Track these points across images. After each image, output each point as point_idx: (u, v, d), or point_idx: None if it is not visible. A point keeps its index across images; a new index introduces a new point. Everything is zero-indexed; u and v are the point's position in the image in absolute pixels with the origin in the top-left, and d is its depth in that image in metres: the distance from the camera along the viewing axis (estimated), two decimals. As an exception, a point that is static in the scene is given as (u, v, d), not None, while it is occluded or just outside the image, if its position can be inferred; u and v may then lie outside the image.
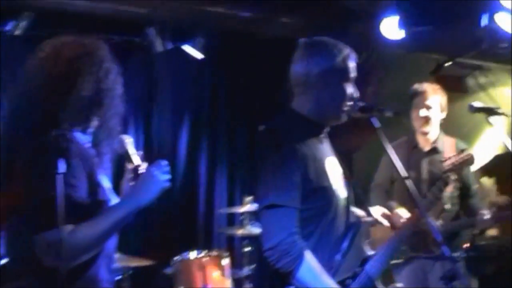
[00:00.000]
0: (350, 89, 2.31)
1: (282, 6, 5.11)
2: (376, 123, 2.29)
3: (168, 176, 2.16)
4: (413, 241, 3.53)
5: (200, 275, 3.92)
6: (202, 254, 4.05)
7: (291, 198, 2.16)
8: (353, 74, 2.32)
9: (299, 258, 2.13)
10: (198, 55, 5.41)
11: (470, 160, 3.33)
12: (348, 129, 2.50)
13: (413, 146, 3.81)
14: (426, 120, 3.71)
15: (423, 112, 3.71)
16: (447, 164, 3.29)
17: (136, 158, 2.21)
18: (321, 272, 2.17)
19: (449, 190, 3.53)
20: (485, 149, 6.46)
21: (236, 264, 4.46)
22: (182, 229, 5.28)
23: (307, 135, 2.29)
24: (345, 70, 2.30)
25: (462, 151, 3.41)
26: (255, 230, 4.21)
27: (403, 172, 2.35)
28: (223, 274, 4.03)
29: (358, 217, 2.39)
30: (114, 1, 4.69)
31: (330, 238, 2.27)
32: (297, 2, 5.01)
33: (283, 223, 2.14)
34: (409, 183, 2.33)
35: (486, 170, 6.04)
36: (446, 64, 5.97)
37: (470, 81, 7.16)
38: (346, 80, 2.31)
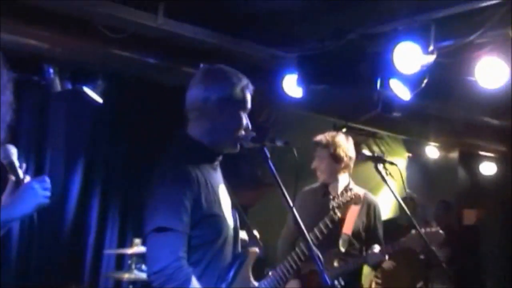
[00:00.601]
0: (245, 119, 2.33)
1: (187, 57, 5.15)
2: (267, 153, 2.29)
3: (48, 193, 2.05)
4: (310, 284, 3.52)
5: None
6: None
7: (180, 221, 2.11)
8: (249, 104, 2.33)
9: (185, 284, 2.06)
10: (97, 98, 5.29)
11: (355, 199, 3.39)
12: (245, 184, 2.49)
13: (323, 193, 3.82)
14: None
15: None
16: (334, 202, 3.34)
17: (19, 170, 2.08)
18: None
19: (346, 233, 3.57)
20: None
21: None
22: (68, 272, 5.01)
23: (201, 161, 2.27)
24: (242, 100, 2.33)
25: (349, 189, 3.47)
26: (142, 274, 4.04)
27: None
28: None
29: (245, 247, 2.34)
30: (12, 33, 4.50)
31: (217, 267, 2.23)
32: (202, 53, 5.07)
33: (170, 247, 2.09)
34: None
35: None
36: (343, 130, 6.24)
37: (364, 149, 7.47)
38: (242, 109, 2.33)
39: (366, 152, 3.19)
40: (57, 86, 5.14)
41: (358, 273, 3.74)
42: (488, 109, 6.53)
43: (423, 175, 7.95)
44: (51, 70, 5.06)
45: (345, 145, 3.76)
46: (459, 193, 7.92)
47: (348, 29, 4.61)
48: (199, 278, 2.12)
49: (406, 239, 3.59)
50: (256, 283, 2.35)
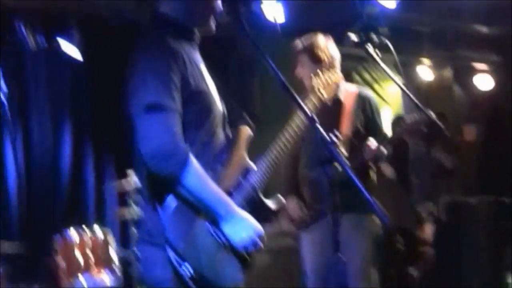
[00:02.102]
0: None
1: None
2: (245, 26, 2.12)
3: None
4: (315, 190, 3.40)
5: (82, 253, 3.57)
6: (85, 232, 3.70)
7: (172, 99, 1.96)
8: None
9: (185, 161, 1.92)
10: (76, 55, 5.10)
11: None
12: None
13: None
14: None
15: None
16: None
17: None
18: (206, 177, 2.00)
19: (346, 133, 3.42)
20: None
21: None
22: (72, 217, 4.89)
23: (179, 36, 2.11)
24: None
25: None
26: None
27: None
28: (108, 253, 3.69)
29: (240, 128, 2.20)
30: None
31: (210, 148, 2.10)
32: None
33: (165, 125, 1.93)
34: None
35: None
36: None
37: (356, 78, 7.31)
38: None
39: (352, 36, 3.01)
40: (32, 43, 4.96)
41: (366, 172, 3.54)
42: (479, 16, 6.37)
43: (418, 98, 7.75)
44: (22, 27, 4.88)
45: (324, 44, 3.56)
46: (457, 110, 7.77)
47: None
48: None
49: (400, 128, 3.43)
50: (251, 163, 2.22)
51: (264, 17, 4.84)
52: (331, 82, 2.94)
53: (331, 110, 3.47)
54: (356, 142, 3.48)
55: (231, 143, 2.15)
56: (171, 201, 1.95)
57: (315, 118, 1.99)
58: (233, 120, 2.22)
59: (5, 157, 4.83)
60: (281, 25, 4.79)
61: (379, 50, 3.06)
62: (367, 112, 3.59)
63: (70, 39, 5.07)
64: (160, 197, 1.97)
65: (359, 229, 3.42)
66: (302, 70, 3.54)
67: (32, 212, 4.80)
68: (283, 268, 4.59)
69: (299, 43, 3.60)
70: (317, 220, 3.48)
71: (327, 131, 3.39)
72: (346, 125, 3.50)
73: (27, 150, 5.02)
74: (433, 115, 3.08)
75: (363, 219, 3.44)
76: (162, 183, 1.94)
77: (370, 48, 3.03)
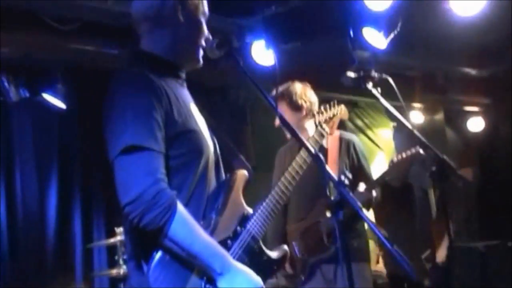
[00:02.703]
0: (205, 26, 2.03)
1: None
2: (237, 57, 1.98)
3: None
4: (307, 242, 3.23)
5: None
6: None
7: (154, 138, 1.75)
8: (206, 10, 2.05)
9: (171, 209, 1.71)
10: (59, 104, 4.95)
11: (342, 113, 3.10)
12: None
13: (298, 147, 3.52)
14: None
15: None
16: (318, 118, 3.02)
17: None
18: (197, 227, 1.78)
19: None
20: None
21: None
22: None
23: (163, 73, 1.94)
24: (200, 3, 2.04)
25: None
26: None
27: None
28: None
29: (235, 171, 2.01)
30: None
31: (202, 193, 1.90)
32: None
33: (146, 168, 1.71)
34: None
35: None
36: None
37: (348, 124, 7.20)
38: (202, 15, 2.04)
39: (350, 74, 2.88)
40: (14, 95, 4.81)
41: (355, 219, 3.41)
42: (467, 58, 6.35)
43: (411, 142, 7.65)
44: (4, 79, 4.73)
45: (301, 90, 3.49)
46: (450, 153, 7.64)
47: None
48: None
49: (388, 168, 3.32)
50: (249, 209, 2.02)
51: (254, 61, 4.74)
52: (335, 119, 2.81)
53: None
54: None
55: (226, 187, 1.96)
56: (158, 257, 1.74)
57: (321, 156, 1.83)
58: (228, 162, 2.03)
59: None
60: (271, 70, 4.67)
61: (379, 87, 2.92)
62: (351, 156, 3.48)
63: (54, 91, 4.93)
64: (145, 252, 1.76)
65: (361, 278, 3.23)
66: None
67: (16, 268, 4.56)
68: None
69: (274, 92, 3.50)
70: (312, 276, 3.33)
71: (313, 179, 3.32)
72: (332, 171, 3.36)
73: (11, 203, 4.80)
74: (440, 154, 2.93)
75: (364, 268, 3.32)
76: (146, 236, 1.72)
77: (370, 85, 2.89)
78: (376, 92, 2.88)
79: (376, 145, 7.35)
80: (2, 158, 4.83)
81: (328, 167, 1.78)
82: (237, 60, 1.96)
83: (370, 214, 5.21)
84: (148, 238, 1.72)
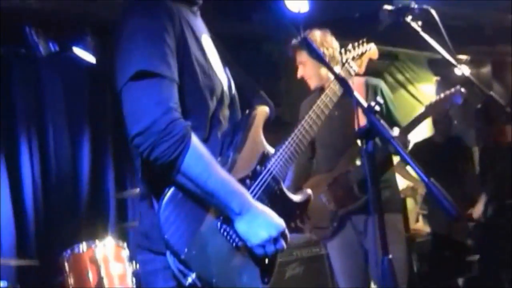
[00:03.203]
0: None
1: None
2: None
3: None
4: (336, 193, 3.07)
5: (94, 270, 3.21)
6: (96, 244, 3.35)
7: (166, 64, 1.57)
8: None
9: (184, 140, 1.53)
10: (90, 58, 4.84)
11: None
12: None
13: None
14: None
15: None
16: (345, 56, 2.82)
17: None
18: (214, 162, 1.60)
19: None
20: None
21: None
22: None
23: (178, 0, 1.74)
24: None
25: None
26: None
27: None
28: (122, 268, 3.33)
29: (255, 107, 1.83)
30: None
31: (216, 133, 1.72)
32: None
33: (157, 96, 1.54)
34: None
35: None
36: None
37: (388, 79, 6.92)
38: None
39: (387, 7, 2.64)
40: (44, 49, 4.72)
41: (389, 164, 3.27)
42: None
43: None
44: (33, 33, 4.64)
45: (321, 38, 3.28)
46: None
47: None
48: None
49: (424, 110, 3.13)
50: (270, 148, 1.84)
51: (287, 8, 4.50)
52: (364, 57, 2.61)
53: (342, 106, 3.16)
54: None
55: (244, 124, 1.78)
56: (169, 194, 1.58)
57: (351, 86, 1.64)
58: (248, 100, 1.86)
59: (21, 168, 4.59)
60: (305, 16, 4.44)
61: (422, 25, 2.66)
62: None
63: (84, 46, 4.83)
64: (157, 190, 1.60)
65: (394, 230, 3.09)
66: (305, 70, 3.27)
67: (49, 226, 4.55)
68: (314, 277, 4.28)
69: (294, 42, 3.32)
70: (342, 228, 3.20)
71: (341, 129, 3.14)
72: (360, 119, 3.17)
73: (44, 160, 4.78)
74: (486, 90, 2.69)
75: (397, 218, 3.21)
76: (158, 172, 1.57)
77: (409, 19, 2.63)
78: (417, 26, 2.63)
79: (418, 100, 7.06)
80: (34, 113, 4.78)
81: (356, 93, 1.58)
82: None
83: (412, 172, 5.02)
84: (159, 174, 1.57)
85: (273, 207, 1.71)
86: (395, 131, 3.08)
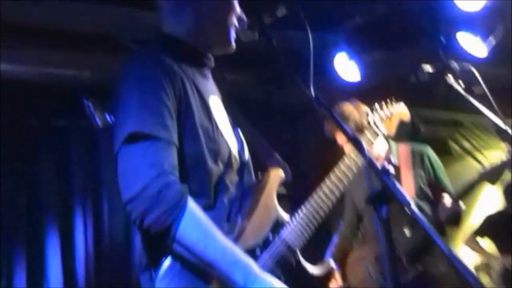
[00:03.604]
0: (236, 3, 1.78)
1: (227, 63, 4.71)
2: (274, 42, 1.70)
3: None
4: None
5: None
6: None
7: (162, 126, 1.50)
8: None
9: (179, 205, 1.43)
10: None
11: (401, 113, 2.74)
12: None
13: None
14: None
15: None
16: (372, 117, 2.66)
17: None
18: (213, 229, 1.48)
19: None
20: (480, 210, 5.80)
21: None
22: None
23: (183, 59, 1.69)
24: None
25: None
26: None
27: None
28: None
29: (268, 170, 1.72)
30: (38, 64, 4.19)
31: (222, 199, 1.61)
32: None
33: (151, 158, 1.46)
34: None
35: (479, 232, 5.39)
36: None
37: (454, 146, 6.65)
38: None
39: (427, 67, 2.52)
40: (100, 121, 4.83)
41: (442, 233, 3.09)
42: None
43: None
44: (90, 105, 4.77)
45: (348, 112, 3.21)
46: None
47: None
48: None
49: (479, 175, 3.01)
50: (285, 214, 1.70)
51: (338, 75, 4.45)
52: (393, 118, 2.47)
53: None
54: (423, 204, 3.11)
55: (256, 188, 1.67)
56: (166, 265, 1.47)
57: (369, 152, 1.50)
58: (263, 163, 1.75)
59: (74, 238, 4.62)
60: (355, 83, 4.37)
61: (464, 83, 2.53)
62: (427, 169, 3.23)
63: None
64: (155, 261, 1.49)
65: None
66: (332, 125, 3.14)
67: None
68: None
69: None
70: None
71: None
72: (407, 187, 3.11)
73: (98, 231, 4.79)
74: None
75: None
76: (154, 240, 1.46)
77: (450, 79, 2.51)
78: (458, 85, 2.49)
79: (487, 168, 6.69)
80: (90, 185, 4.84)
81: (368, 153, 1.44)
82: (270, 39, 1.68)
83: (488, 242, 4.70)
84: (155, 243, 1.46)
85: (287, 280, 1.56)
86: (446, 199, 2.90)
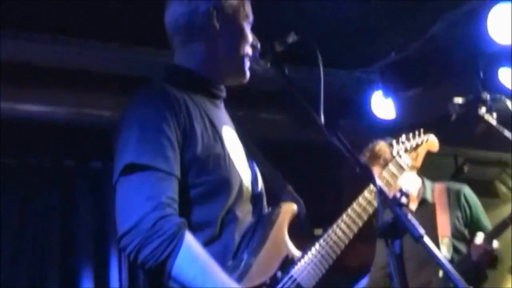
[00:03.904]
0: (249, 32, 1.73)
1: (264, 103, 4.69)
2: (285, 71, 1.64)
3: None
4: None
5: None
6: None
7: (162, 157, 1.45)
8: (251, 15, 1.75)
9: (175, 239, 1.36)
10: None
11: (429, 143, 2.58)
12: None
13: None
14: None
15: None
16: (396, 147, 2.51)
17: None
18: (212, 264, 1.40)
19: (445, 235, 2.79)
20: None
21: None
22: None
23: (194, 90, 1.65)
24: (242, 6, 1.73)
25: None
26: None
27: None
28: None
29: (280, 204, 1.63)
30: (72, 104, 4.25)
31: (230, 232, 1.53)
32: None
33: (149, 191, 1.40)
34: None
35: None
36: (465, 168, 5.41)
37: (501, 187, 6.38)
38: (244, 19, 1.73)
39: (458, 100, 2.41)
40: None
41: (480, 275, 2.94)
42: None
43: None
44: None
45: (378, 148, 3.05)
46: None
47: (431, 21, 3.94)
48: (205, 247, 1.43)
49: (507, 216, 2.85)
50: (296, 251, 1.60)
51: (374, 114, 4.36)
52: (420, 149, 2.34)
53: (421, 214, 2.96)
54: (459, 243, 2.99)
55: (265, 223, 1.58)
56: None
57: (384, 188, 1.39)
58: (277, 197, 1.67)
59: (109, 279, 4.58)
60: (392, 121, 4.26)
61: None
62: (463, 208, 3.11)
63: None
64: None
65: None
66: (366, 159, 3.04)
67: None
68: None
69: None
70: None
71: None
72: (442, 227, 2.99)
73: (132, 271, 4.74)
74: None
75: None
76: (151, 276, 1.40)
77: (483, 112, 2.39)
78: (491, 118, 2.37)
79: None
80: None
81: (379, 182, 1.34)
82: (282, 69, 1.62)
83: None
84: (152, 279, 1.39)
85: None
86: (477, 238, 2.74)
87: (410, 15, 3.90)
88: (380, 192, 1.30)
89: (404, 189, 1.30)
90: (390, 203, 1.29)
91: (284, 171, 1.75)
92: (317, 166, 5.04)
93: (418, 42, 3.98)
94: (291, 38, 1.59)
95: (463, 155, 5.74)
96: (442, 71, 3.99)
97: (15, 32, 3.42)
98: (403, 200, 1.27)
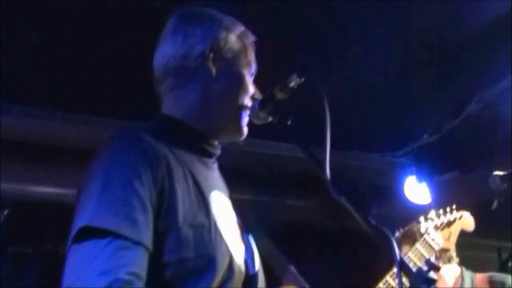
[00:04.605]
0: (249, 81, 1.50)
1: (289, 189, 4.46)
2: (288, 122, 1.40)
3: None
4: None
5: None
6: None
7: (128, 220, 1.17)
8: (253, 62, 1.50)
9: None
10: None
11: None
12: None
13: None
14: None
15: None
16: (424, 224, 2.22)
17: None
18: None
19: None
20: None
21: None
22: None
23: (180, 145, 1.39)
24: (243, 52, 1.48)
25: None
26: None
27: None
28: None
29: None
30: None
31: None
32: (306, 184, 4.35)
33: (104, 264, 1.12)
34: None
35: None
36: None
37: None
38: (244, 67, 1.48)
39: (499, 173, 2.14)
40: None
41: None
42: None
43: None
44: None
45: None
46: None
47: (465, 99, 3.72)
48: None
49: None
50: None
51: (408, 199, 4.10)
52: (453, 228, 2.04)
53: None
54: None
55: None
56: None
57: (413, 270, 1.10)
58: (277, 278, 1.38)
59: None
60: (427, 206, 3.96)
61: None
62: None
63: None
64: None
65: None
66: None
67: None
68: None
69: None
70: None
71: None
72: None
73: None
74: None
75: None
76: None
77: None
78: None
79: None
80: None
81: (398, 252, 1.04)
82: (285, 119, 1.37)
83: None
84: None
85: None
86: None
87: (443, 96, 3.72)
88: (401, 266, 1.00)
89: (432, 260, 1.00)
90: (413, 278, 0.98)
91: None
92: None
93: (453, 122, 3.76)
94: (294, 81, 1.35)
95: (508, 248, 5.31)
96: (480, 153, 3.71)
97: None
98: (432, 275, 0.96)
